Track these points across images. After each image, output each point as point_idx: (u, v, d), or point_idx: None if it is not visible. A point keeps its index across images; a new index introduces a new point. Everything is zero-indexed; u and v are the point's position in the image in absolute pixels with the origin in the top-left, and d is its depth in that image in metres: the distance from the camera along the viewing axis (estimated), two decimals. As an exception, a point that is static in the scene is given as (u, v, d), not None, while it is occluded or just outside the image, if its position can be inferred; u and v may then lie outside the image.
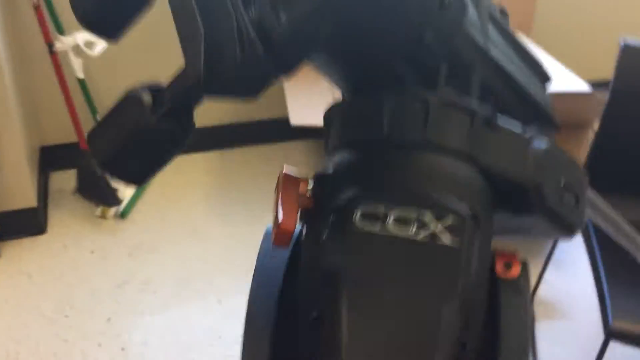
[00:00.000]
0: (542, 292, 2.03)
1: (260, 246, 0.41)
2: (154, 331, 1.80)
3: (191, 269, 2.03)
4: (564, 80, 1.95)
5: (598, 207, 0.56)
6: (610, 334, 1.30)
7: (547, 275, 2.09)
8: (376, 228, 0.34)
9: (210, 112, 2.49)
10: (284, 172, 0.39)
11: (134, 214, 2.23)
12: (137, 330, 1.81)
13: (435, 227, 0.34)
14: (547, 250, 1.91)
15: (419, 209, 0.35)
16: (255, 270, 0.39)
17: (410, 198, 0.36)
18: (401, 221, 0.35)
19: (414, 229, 0.34)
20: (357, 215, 0.35)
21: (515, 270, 0.40)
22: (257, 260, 0.40)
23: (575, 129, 1.92)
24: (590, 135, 1.72)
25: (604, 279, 1.40)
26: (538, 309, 1.98)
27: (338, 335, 0.32)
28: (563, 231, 0.42)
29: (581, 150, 1.75)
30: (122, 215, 2.18)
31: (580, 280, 2.09)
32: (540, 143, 0.41)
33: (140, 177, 0.42)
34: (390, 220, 0.34)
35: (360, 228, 0.34)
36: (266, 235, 0.42)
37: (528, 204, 0.40)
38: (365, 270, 0.33)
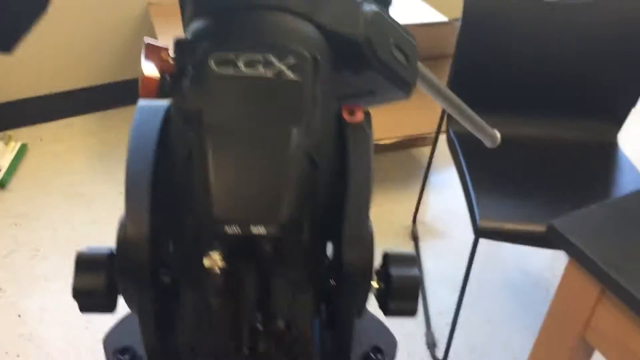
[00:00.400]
0: (422, 213, 2.20)
1: (134, 117, 0.46)
2: (50, 296, 1.79)
3: (81, 232, 2.01)
4: (423, 13, 2.09)
5: (430, 80, 0.64)
6: (478, 232, 1.46)
7: (427, 198, 2.26)
8: (230, 71, 0.40)
9: (83, 74, 2.43)
10: (146, 42, 0.44)
11: (15, 183, 2.16)
12: (32, 296, 1.78)
13: (280, 66, 0.41)
14: (422, 176, 2.06)
15: (264, 53, 0.41)
16: (131, 131, 0.44)
17: (256, 44, 0.42)
18: (250, 64, 0.41)
19: (262, 69, 0.41)
20: (212, 62, 0.41)
21: (359, 116, 0.47)
22: (133, 123, 0.45)
23: (437, 59, 2.07)
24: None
25: (470, 186, 1.55)
26: (420, 229, 2.15)
27: (205, 168, 0.38)
28: (399, 87, 0.50)
29: (443, 78, 1.89)
30: (1, 184, 2.11)
31: (456, 201, 2.28)
32: (371, 7, 0.49)
33: (7, 43, 0.44)
34: (241, 63, 0.41)
35: (216, 72, 0.40)
36: (137, 109, 0.46)
37: (364, 60, 0.47)
38: (224, 108, 0.39)
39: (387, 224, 2.17)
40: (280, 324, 0.38)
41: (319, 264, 0.44)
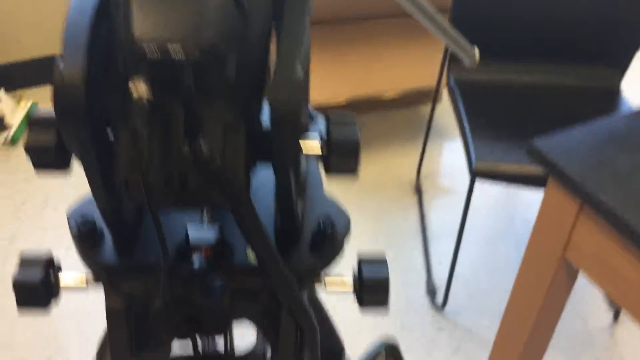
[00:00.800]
0: (428, 168, 2.20)
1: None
2: (60, 244, 1.84)
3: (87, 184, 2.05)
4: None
5: None
6: (474, 173, 1.46)
7: (433, 153, 2.26)
8: None
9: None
10: None
11: (26, 140, 2.20)
12: (42, 244, 1.84)
13: None
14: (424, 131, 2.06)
15: None
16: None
17: None
18: None
19: None
20: None
21: None
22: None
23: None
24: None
25: (467, 129, 1.55)
26: (424, 183, 2.15)
27: (129, 14, 0.39)
28: None
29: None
30: (13, 141, 2.16)
31: (462, 156, 2.28)
32: None
33: None
34: None
35: None
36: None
37: None
38: None
39: (391, 178, 2.18)
40: (206, 150, 0.39)
41: (252, 107, 0.45)
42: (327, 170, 0.49)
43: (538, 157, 0.95)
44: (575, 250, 0.97)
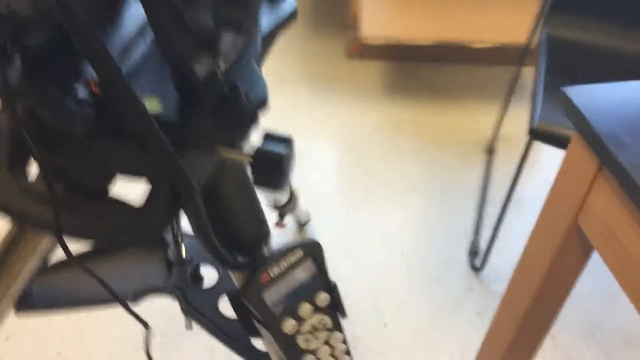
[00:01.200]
0: (509, 130, 2.07)
1: None
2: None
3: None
4: None
5: None
6: (533, 133, 1.36)
7: (520, 116, 2.13)
8: None
9: None
10: None
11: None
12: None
13: None
14: (522, 94, 1.93)
15: None
16: None
17: None
18: None
19: None
20: None
21: None
22: None
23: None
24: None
25: (540, 86, 1.43)
26: (500, 145, 2.04)
27: None
28: None
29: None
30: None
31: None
32: None
33: None
34: None
35: None
36: None
37: None
38: None
39: (465, 133, 2.08)
40: None
41: None
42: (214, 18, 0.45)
43: (566, 106, 0.86)
44: (588, 218, 0.87)
